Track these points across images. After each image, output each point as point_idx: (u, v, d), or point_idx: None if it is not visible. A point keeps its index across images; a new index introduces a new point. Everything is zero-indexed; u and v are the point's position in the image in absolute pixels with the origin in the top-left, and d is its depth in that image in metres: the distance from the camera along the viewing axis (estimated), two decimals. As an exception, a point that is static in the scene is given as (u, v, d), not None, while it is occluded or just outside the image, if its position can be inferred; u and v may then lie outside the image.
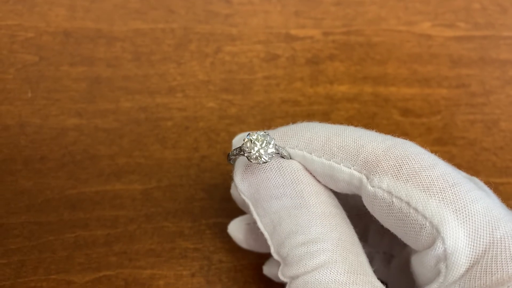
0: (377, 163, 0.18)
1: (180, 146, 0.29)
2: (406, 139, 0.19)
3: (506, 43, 0.34)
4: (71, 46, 0.31)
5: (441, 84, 0.32)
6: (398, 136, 0.20)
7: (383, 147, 0.18)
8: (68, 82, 0.30)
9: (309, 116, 0.31)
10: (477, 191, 0.17)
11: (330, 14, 0.33)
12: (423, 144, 0.31)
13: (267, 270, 0.25)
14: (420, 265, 0.18)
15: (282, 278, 0.19)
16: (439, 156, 0.31)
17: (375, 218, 0.21)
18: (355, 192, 0.19)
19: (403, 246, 0.23)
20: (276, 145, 0.19)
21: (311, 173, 0.20)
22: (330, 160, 0.19)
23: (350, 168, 0.19)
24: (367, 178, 0.18)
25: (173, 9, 0.33)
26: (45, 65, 0.31)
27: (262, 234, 0.20)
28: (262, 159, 0.18)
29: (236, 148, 0.19)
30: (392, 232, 0.22)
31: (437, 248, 0.17)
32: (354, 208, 0.22)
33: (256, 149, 0.18)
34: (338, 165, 0.19)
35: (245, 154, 0.18)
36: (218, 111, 0.31)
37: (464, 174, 0.20)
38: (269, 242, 0.20)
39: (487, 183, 0.30)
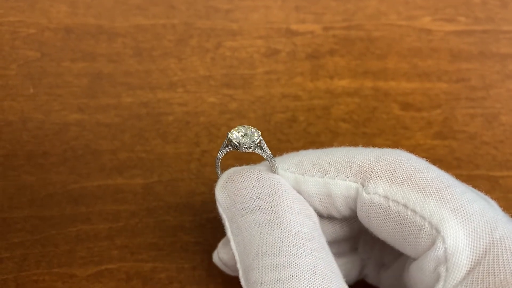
0: (371, 170, 0.18)
1: (181, 141, 0.29)
2: (401, 149, 0.19)
3: (506, 37, 0.34)
4: (72, 42, 0.32)
5: (441, 78, 0.32)
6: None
7: (374, 155, 0.18)
8: (69, 78, 0.31)
9: (310, 111, 0.31)
10: (471, 193, 0.17)
11: (330, 9, 0.33)
12: (424, 138, 0.31)
13: (217, 256, 0.22)
14: (419, 272, 0.17)
15: None
16: (439, 150, 0.31)
17: (370, 232, 0.20)
18: (353, 207, 0.19)
19: (395, 256, 0.22)
20: (262, 140, 0.19)
21: (303, 196, 0.19)
22: (324, 177, 0.19)
23: (346, 180, 0.18)
24: (363, 186, 0.18)
25: (173, 5, 0.33)
26: (47, 61, 0.31)
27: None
28: (247, 144, 0.18)
29: (224, 143, 0.19)
30: (383, 243, 0.22)
31: (438, 249, 0.16)
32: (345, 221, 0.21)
33: (241, 135, 0.18)
34: (333, 180, 0.18)
35: (233, 142, 0.18)
36: (219, 106, 0.31)
37: (455, 179, 0.20)
38: (238, 265, 0.18)
39: (488, 176, 0.30)
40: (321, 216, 0.20)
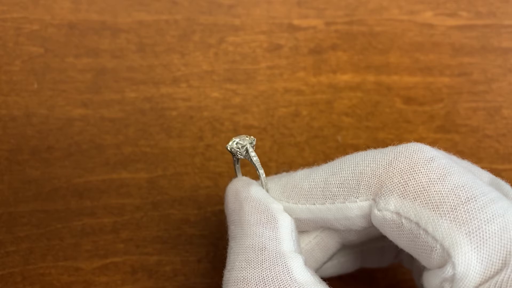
0: (381, 185, 0.17)
1: (185, 135, 0.30)
2: (412, 144, 0.18)
3: (508, 31, 0.34)
4: (76, 38, 0.32)
5: (443, 72, 0.32)
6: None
7: (384, 164, 0.17)
8: (73, 73, 0.31)
9: (313, 105, 0.31)
10: (494, 205, 0.16)
11: (332, 4, 0.34)
12: (426, 131, 0.31)
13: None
14: (426, 281, 0.17)
15: None
16: (442, 143, 0.32)
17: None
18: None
19: None
20: (250, 148, 0.20)
21: (322, 223, 0.19)
22: (334, 203, 0.18)
23: (356, 202, 0.18)
24: (375, 202, 0.17)
25: (176, 1, 0.33)
26: (50, 57, 0.31)
27: None
28: (234, 151, 0.20)
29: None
30: None
31: (446, 272, 0.15)
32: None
33: (235, 143, 0.20)
34: (344, 204, 0.18)
35: (228, 149, 0.20)
36: (222, 100, 0.31)
37: (486, 174, 0.19)
38: None
39: (490, 170, 0.30)
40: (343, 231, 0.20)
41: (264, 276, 0.16)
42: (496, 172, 0.30)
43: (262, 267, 0.16)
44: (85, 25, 0.32)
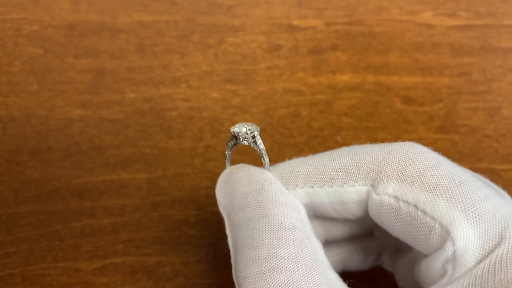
0: (380, 170, 0.18)
1: (185, 136, 0.30)
2: (407, 142, 0.19)
3: (507, 31, 0.34)
4: (75, 39, 0.32)
5: (443, 72, 0.32)
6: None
7: (383, 154, 0.18)
8: (73, 74, 0.31)
9: (312, 105, 0.31)
10: (485, 189, 0.17)
11: (331, 5, 0.34)
12: (426, 132, 0.31)
13: None
14: (427, 267, 0.17)
15: None
16: (442, 143, 0.32)
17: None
18: (367, 208, 0.19)
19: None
20: (257, 134, 0.19)
21: (316, 207, 0.19)
22: (333, 186, 0.18)
23: (355, 186, 0.18)
24: (373, 187, 0.18)
25: (175, 1, 0.33)
26: (50, 58, 0.31)
27: None
28: (242, 135, 0.19)
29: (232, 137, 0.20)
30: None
31: (447, 250, 0.16)
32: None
33: (240, 128, 0.20)
34: (342, 187, 0.18)
35: (233, 132, 0.19)
36: (222, 101, 0.31)
37: (470, 172, 0.20)
38: (231, 260, 0.18)
39: (490, 170, 0.30)
40: (336, 219, 0.20)
41: (296, 254, 0.16)
42: (496, 172, 0.30)
43: (295, 245, 0.16)
44: (85, 26, 0.32)
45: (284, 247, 0.16)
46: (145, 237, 0.26)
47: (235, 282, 0.17)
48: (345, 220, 0.20)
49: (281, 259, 0.16)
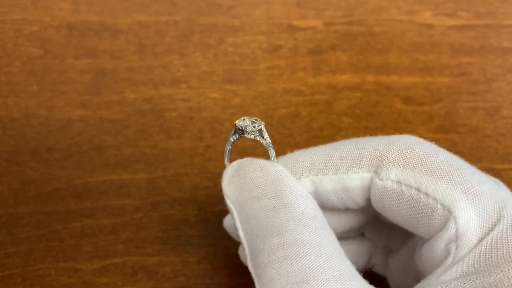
0: (382, 157, 0.18)
1: (185, 136, 0.30)
2: (406, 134, 0.20)
3: (507, 31, 0.34)
4: (75, 39, 0.32)
5: (442, 72, 0.33)
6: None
7: (384, 143, 0.19)
8: (73, 75, 0.31)
9: (312, 106, 0.31)
10: (480, 174, 0.18)
11: (331, 5, 0.34)
12: (426, 131, 0.31)
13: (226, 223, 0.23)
14: (430, 251, 0.18)
15: None
16: (441, 143, 0.31)
17: (382, 218, 0.21)
18: (369, 196, 0.19)
19: (401, 241, 0.23)
20: (264, 127, 0.20)
21: (320, 195, 0.20)
22: (337, 173, 0.19)
23: (359, 172, 0.19)
24: (376, 174, 0.18)
25: (175, 2, 0.33)
26: (50, 58, 0.31)
27: None
28: (250, 128, 0.20)
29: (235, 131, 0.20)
30: (389, 228, 0.22)
31: (450, 229, 0.17)
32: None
33: (245, 122, 0.20)
34: (347, 174, 0.19)
35: (238, 126, 0.20)
36: (222, 101, 0.31)
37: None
38: (246, 251, 0.18)
39: (490, 169, 0.30)
40: (337, 209, 0.20)
41: (319, 240, 0.17)
42: (495, 172, 0.30)
43: (316, 232, 0.17)
44: (85, 26, 0.32)
45: (307, 233, 0.17)
46: (145, 237, 0.26)
47: (253, 271, 0.17)
48: (344, 212, 0.21)
49: (306, 244, 0.16)
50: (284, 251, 0.16)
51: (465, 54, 0.33)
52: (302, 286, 0.15)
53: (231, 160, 0.21)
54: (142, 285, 0.25)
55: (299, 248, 0.16)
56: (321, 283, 0.15)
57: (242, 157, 0.28)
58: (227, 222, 0.24)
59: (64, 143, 0.29)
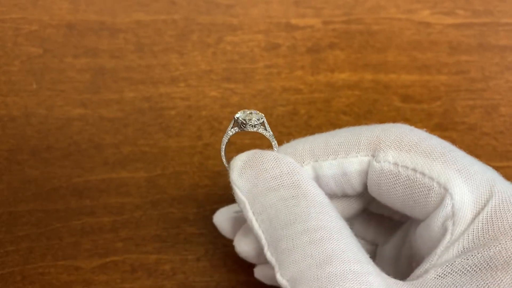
0: (379, 142, 0.19)
1: (184, 135, 0.30)
2: (402, 123, 0.20)
3: (505, 29, 0.34)
4: (74, 38, 0.32)
5: (440, 70, 0.33)
6: (399, 122, 0.21)
7: (380, 129, 0.20)
8: (72, 74, 0.31)
9: (311, 104, 0.31)
10: (471, 157, 0.20)
11: (330, 3, 0.34)
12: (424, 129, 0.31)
13: (258, 272, 0.24)
14: (427, 230, 0.19)
15: (282, 280, 0.17)
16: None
17: (373, 207, 0.22)
18: (366, 181, 0.20)
19: (389, 232, 0.23)
20: (264, 120, 0.20)
21: (319, 180, 0.20)
22: (336, 158, 0.20)
23: (357, 156, 0.19)
24: (373, 157, 0.19)
25: (174, 1, 0.33)
26: (49, 57, 0.31)
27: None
28: (253, 122, 0.20)
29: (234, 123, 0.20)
30: (377, 222, 0.23)
31: (446, 205, 0.18)
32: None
33: (246, 114, 0.20)
34: (346, 158, 0.20)
35: (239, 120, 0.19)
36: (221, 100, 0.31)
37: None
38: (263, 241, 0.18)
39: (488, 167, 0.31)
40: (335, 195, 0.21)
41: (340, 227, 0.18)
42: (494, 170, 0.30)
43: (337, 220, 0.18)
44: (84, 26, 0.32)
45: (330, 220, 0.18)
46: (145, 235, 0.26)
47: (274, 257, 0.18)
48: (341, 200, 0.22)
49: (329, 230, 0.17)
50: (309, 236, 0.17)
51: (463, 52, 0.33)
52: (325, 266, 0.16)
53: (228, 158, 0.21)
54: (141, 282, 0.26)
55: (323, 233, 0.17)
56: (343, 263, 0.16)
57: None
58: (217, 218, 0.24)
59: (63, 142, 0.29)
